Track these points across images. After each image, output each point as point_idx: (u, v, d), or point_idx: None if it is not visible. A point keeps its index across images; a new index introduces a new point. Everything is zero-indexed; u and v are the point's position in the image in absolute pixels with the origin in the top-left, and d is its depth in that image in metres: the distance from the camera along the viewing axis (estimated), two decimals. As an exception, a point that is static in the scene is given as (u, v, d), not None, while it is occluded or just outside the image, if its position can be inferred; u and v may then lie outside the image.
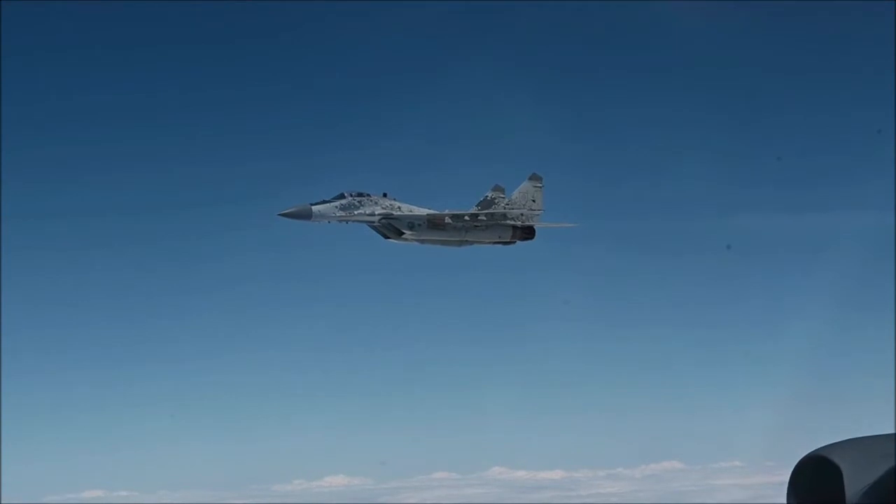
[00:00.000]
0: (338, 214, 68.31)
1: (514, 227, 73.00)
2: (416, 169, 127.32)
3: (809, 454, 7.85)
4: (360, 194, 69.45)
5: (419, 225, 70.28)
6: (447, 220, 70.90)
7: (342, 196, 68.83)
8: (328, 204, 68.11)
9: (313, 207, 67.49)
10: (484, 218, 71.79)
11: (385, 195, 70.41)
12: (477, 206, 73.20)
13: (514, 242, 73.52)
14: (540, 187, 74.63)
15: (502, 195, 73.66)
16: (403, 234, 69.95)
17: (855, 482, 7.44)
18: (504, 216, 72.36)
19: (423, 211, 71.01)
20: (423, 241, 70.86)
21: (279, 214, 67.40)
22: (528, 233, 73.62)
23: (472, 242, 72.29)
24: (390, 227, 69.94)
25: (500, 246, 73.73)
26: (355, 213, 68.93)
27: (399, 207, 70.38)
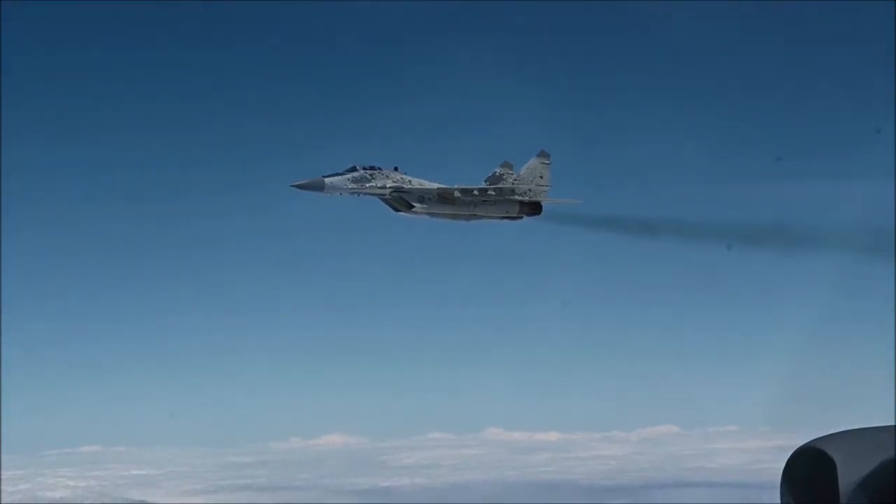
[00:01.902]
0: (350, 187, 69.65)
1: (521, 202, 74.37)
2: (427, 144, 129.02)
3: (803, 446, 7.80)
4: (371, 168, 70.75)
5: (429, 198, 71.64)
6: (456, 194, 72.22)
7: (354, 169, 70.15)
8: (340, 176, 69.42)
9: (326, 180, 68.83)
10: (492, 193, 73.16)
11: (396, 169, 71.70)
12: (485, 181, 74.55)
13: (521, 217, 74.97)
14: (547, 164, 75.95)
15: (510, 171, 75.01)
16: (413, 207, 71.23)
17: (849, 474, 7.44)
18: (512, 192, 73.76)
19: (433, 185, 72.31)
20: (432, 215, 72.24)
21: (292, 186, 68.59)
22: (534, 208, 75.01)
23: (480, 217, 73.68)
24: (401, 200, 71.27)
25: (506, 220, 75.27)
26: (367, 185, 70.27)
27: (410, 181, 71.69)
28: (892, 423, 7.70)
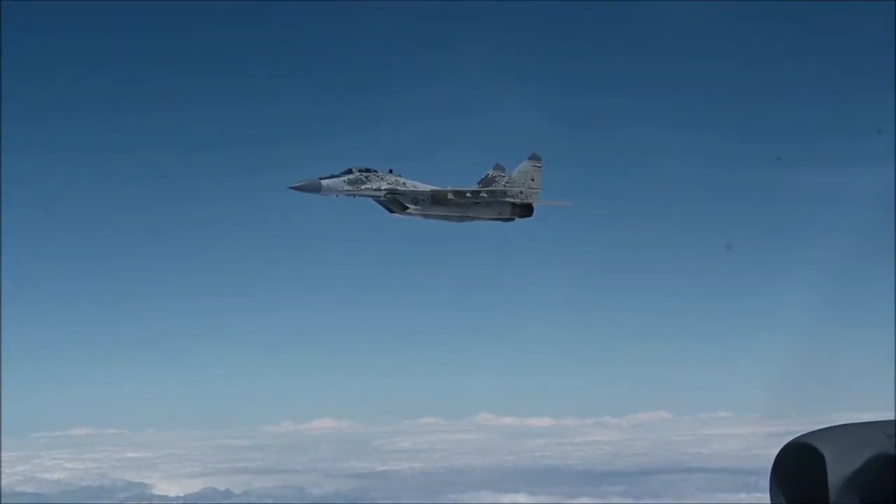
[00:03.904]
0: (345, 188, 71.00)
1: (514, 204, 75.86)
2: (422, 147, 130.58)
3: (793, 441, 7.81)
4: (367, 170, 72.11)
5: (423, 200, 73.07)
6: (450, 196, 73.71)
7: (350, 171, 71.49)
8: (336, 178, 70.79)
9: (322, 181, 70.16)
10: (485, 195, 74.69)
11: (391, 171, 73.09)
12: (478, 183, 76.01)
13: (514, 219, 76.51)
14: (539, 167, 77.48)
15: (503, 174, 76.42)
16: (408, 208, 72.74)
17: (838, 470, 7.44)
18: (504, 194, 75.24)
19: (427, 187, 73.75)
20: (426, 216, 73.72)
21: (290, 187, 69.96)
22: (526, 210, 76.47)
23: (472, 218, 75.16)
24: (395, 202, 72.67)
25: (499, 222, 76.73)
26: (362, 187, 71.65)
27: (404, 183, 73.12)
28: (882, 419, 7.79)
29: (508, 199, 75.56)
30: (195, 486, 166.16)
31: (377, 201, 72.90)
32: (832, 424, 7.82)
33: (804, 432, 7.78)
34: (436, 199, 73.42)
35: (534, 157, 77.78)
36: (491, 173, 76.42)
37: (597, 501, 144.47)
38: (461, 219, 75.02)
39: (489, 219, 75.90)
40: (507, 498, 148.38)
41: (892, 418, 7.69)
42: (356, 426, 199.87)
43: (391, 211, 73.20)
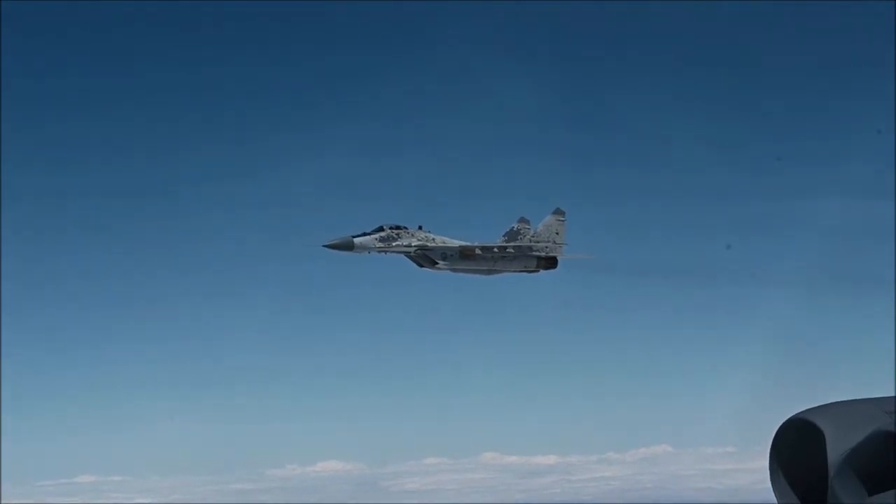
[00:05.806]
0: (377, 245, 74.20)
1: (539, 257, 79.01)
2: (450, 195, 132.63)
3: (792, 417, 7.71)
4: (397, 227, 75.30)
5: (451, 255, 76.15)
6: (477, 251, 76.82)
7: (381, 229, 74.74)
8: (369, 236, 74.05)
9: (355, 239, 73.43)
10: (511, 250, 77.76)
11: (420, 228, 76.24)
12: (503, 236, 79.21)
13: (538, 271, 79.60)
14: (563, 221, 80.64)
15: (527, 226, 79.52)
16: (437, 263, 75.87)
17: (837, 445, 7.37)
18: (530, 248, 78.35)
19: (456, 243, 76.79)
20: (455, 271, 76.80)
21: (324, 245, 73.25)
22: (551, 263, 79.55)
23: (499, 271, 78.19)
24: (425, 258, 75.83)
25: (524, 274, 79.71)
26: (393, 244, 74.79)
27: (433, 239, 76.19)
28: (881, 395, 7.70)
29: (533, 253, 78.71)
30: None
31: (408, 256, 75.99)
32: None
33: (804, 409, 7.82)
34: (464, 255, 76.42)
35: (558, 212, 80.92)
36: (516, 226, 79.56)
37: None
38: (489, 272, 77.99)
39: (515, 271, 78.93)
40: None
41: (892, 395, 7.72)
42: (362, 468, 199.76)
43: (421, 266, 76.28)
